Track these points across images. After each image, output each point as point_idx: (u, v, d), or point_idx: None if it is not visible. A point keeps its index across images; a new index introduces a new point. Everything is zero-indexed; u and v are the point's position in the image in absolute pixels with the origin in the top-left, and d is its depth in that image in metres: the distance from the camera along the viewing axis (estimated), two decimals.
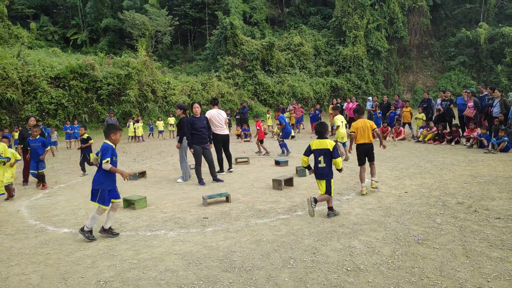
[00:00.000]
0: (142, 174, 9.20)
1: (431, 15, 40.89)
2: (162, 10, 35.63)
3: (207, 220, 5.41)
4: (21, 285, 3.66)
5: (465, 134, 12.02)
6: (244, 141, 16.63)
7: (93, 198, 4.84)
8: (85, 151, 10.00)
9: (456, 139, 12.06)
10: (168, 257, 4.15)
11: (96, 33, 37.78)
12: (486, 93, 12.10)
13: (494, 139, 10.34)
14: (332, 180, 5.29)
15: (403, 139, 13.96)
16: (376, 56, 37.48)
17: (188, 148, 8.09)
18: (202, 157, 8.06)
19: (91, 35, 37.75)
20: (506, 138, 10.01)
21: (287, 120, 18.85)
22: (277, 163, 9.89)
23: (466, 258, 3.77)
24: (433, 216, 5.07)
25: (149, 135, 20.79)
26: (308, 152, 5.39)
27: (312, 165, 5.41)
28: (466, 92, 12.73)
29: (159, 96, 27.07)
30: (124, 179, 4.87)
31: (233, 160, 10.45)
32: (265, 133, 18.63)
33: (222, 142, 9.05)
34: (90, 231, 4.80)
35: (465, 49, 39.20)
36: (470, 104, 12.02)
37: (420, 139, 13.18)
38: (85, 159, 10.00)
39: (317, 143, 5.34)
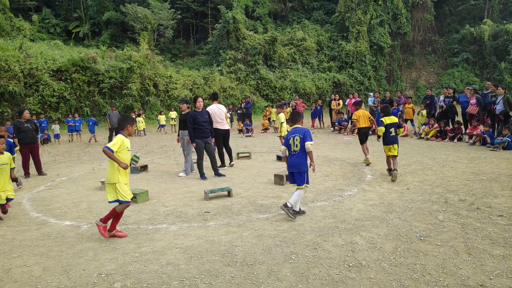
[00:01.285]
0: (144, 168, 9.21)
1: (435, 11, 40.61)
2: (165, 4, 35.45)
3: (208, 214, 5.41)
4: (23, 277, 3.67)
5: (467, 131, 11.98)
6: (246, 136, 16.61)
7: (301, 182, 5.08)
8: None
9: (458, 136, 12.02)
10: (169, 250, 4.15)
11: (98, 26, 37.63)
12: (490, 90, 12.04)
13: (498, 138, 10.29)
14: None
15: (406, 135, 13.92)
16: (379, 52, 37.30)
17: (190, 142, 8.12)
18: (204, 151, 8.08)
19: (93, 28, 37.60)
20: (508, 139, 9.93)
21: (284, 115, 18.87)
22: (279, 158, 9.89)
23: (468, 255, 3.76)
24: (435, 213, 5.06)
25: (158, 127, 20.83)
26: (383, 124, 7.45)
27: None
28: (468, 89, 12.66)
29: (161, 90, 27.03)
30: (312, 170, 5.07)
31: (234, 155, 10.47)
32: (267, 128, 18.66)
33: (223, 137, 9.07)
34: (299, 210, 5.18)
35: (469, 46, 38.96)
36: (473, 101, 11.97)
37: (422, 136, 13.14)
38: None
39: (388, 119, 7.44)
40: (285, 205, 4.98)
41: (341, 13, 36.88)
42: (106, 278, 3.56)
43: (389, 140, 7.41)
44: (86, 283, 3.49)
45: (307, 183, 5.12)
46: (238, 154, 10.59)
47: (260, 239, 4.37)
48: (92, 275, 3.63)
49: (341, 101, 18.00)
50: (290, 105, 19.63)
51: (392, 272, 3.46)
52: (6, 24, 28.45)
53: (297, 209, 5.12)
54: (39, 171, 9.16)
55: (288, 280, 3.39)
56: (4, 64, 20.00)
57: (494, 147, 10.13)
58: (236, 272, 3.59)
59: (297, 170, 5.06)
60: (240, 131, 17.34)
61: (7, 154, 5.86)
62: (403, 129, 7.30)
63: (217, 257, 3.93)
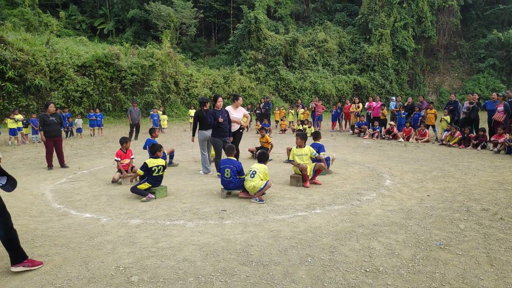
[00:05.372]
0: (165, 165, 9.30)
1: (461, 15, 39.64)
2: (188, 2, 35.80)
3: (225, 212, 5.43)
4: (44, 266, 3.76)
5: (492, 139, 11.64)
6: None
7: None
8: None
9: (482, 144, 11.70)
10: (186, 247, 4.19)
11: (122, 24, 38.32)
12: None
13: None
14: None
15: (427, 141, 13.64)
16: (401, 55, 36.69)
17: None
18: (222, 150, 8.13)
19: (117, 25, 38.31)
20: None
21: (301, 117, 18.77)
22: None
23: (490, 266, 3.65)
24: (456, 222, 4.93)
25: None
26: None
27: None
28: (498, 95, 12.29)
29: (182, 88, 27.32)
30: None
31: (249, 155, 10.54)
32: (285, 130, 18.60)
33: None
34: None
35: (496, 51, 37.90)
36: (500, 108, 11.63)
37: (444, 142, 12.84)
38: None
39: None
40: None
41: (364, 15, 36.46)
42: (123, 271, 3.62)
43: None
44: (104, 275, 3.55)
45: None
46: (254, 153, 10.60)
47: (276, 240, 4.36)
48: (110, 268, 3.69)
49: (360, 104, 17.78)
50: (310, 107, 19.49)
51: (410, 280, 3.40)
52: (35, 19, 29.33)
53: None
54: (62, 164, 9.39)
55: (304, 283, 3.37)
56: (31, 59, 20.61)
57: None
58: (251, 271, 3.59)
59: None
60: (259, 131, 17.31)
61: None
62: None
63: (232, 256, 3.94)
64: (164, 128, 19.13)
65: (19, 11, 29.32)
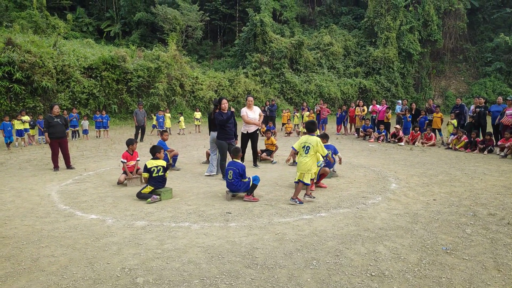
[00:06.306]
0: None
1: (468, 19, 39.43)
2: (194, 5, 35.96)
3: (230, 215, 5.43)
4: (50, 266, 3.79)
5: (499, 143, 11.55)
6: None
7: None
8: None
9: (489, 148, 11.61)
10: (191, 249, 4.19)
11: (128, 26, 38.55)
12: None
13: None
14: None
15: (433, 145, 13.56)
16: (407, 58, 36.55)
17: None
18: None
19: (124, 27, 38.56)
20: None
21: (306, 119, 18.71)
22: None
23: (498, 271, 3.62)
24: (462, 226, 4.90)
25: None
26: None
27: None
28: (507, 99, 12.20)
29: (187, 90, 27.41)
30: None
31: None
32: (290, 133, 18.58)
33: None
34: None
35: (503, 55, 37.63)
36: (509, 112, 11.53)
37: (450, 146, 12.76)
38: None
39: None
40: None
41: (370, 19, 36.39)
42: (129, 273, 3.63)
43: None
44: (110, 276, 3.56)
45: None
46: (259, 156, 10.59)
47: (281, 243, 4.35)
48: (115, 269, 3.71)
49: (365, 107, 17.74)
50: (315, 110, 19.47)
51: (416, 284, 3.37)
52: (42, 22, 29.62)
53: None
54: (68, 165, 9.45)
55: (309, 286, 3.36)
56: (38, 60, 20.79)
57: None
58: (256, 274, 3.58)
59: None
60: (264, 133, 17.30)
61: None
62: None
63: (237, 258, 3.94)
64: (181, 129, 19.55)
65: (27, 14, 29.64)
